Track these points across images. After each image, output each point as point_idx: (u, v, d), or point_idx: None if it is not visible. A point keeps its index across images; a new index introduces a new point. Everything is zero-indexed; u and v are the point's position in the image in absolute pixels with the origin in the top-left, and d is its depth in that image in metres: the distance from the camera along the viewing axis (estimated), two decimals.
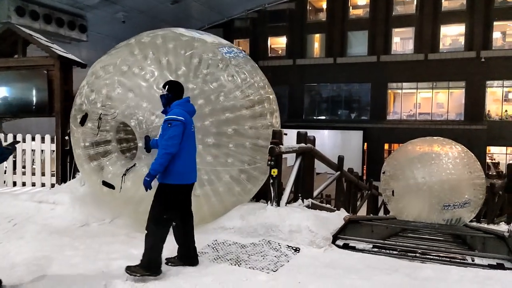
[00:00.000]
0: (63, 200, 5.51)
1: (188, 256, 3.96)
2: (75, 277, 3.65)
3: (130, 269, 3.62)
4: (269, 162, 4.91)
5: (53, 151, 6.50)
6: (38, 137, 6.64)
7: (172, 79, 4.20)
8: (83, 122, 4.53)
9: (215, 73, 4.84)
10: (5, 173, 6.81)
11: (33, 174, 6.68)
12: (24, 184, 6.69)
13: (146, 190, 3.68)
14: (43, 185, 6.59)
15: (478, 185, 9.90)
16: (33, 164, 6.74)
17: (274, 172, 4.91)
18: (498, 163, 25.89)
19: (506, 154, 25.70)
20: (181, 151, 3.67)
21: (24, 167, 6.82)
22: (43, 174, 6.63)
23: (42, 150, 6.67)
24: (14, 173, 6.79)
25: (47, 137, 6.52)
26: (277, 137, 5.00)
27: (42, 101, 6.40)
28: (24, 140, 6.69)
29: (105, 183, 4.70)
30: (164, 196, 3.69)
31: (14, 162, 6.87)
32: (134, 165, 4.58)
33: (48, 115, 6.44)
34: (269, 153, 4.88)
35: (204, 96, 4.69)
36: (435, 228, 7.49)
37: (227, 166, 4.79)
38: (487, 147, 25.20)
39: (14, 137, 6.44)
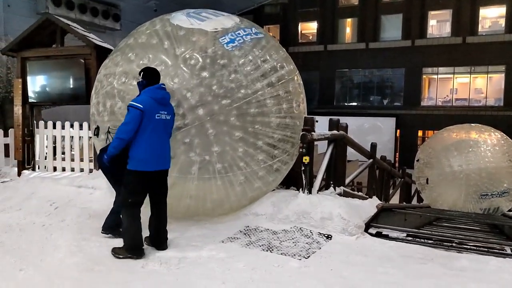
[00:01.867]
0: (101, 185, 5.70)
1: (156, 239, 4.06)
2: (114, 259, 3.79)
3: (114, 251, 3.85)
4: (301, 149, 4.89)
5: (91, 137, 6.71)
6: (76, 124, 6.88)
7: (148, 66, 4.11)
8: (97, 134, 4.60)
9: (215, 73, 4.35)
10: (45, 159, 7.11)
11: (72, 160, 6.94)
12: (64, 169, 6.96)
13: (98, 168, 3.83)
14: (81, 170, 6.84)
15: None
16: (71, 150, 7.00)
17: (306, 159, 4.90)
18: None
19: None
20: (141, 138, 3.74)
21: (63, 153, 7.09)
22: (81, 160, 6.88)
23: (80, 137, 6.90)
24: (54, 158, 7.07)
25: (85, 124, 6.74)
26: (308, 124, 4.97)
27: (80, 89, 6.60)
28: (63, 127, 6.94)
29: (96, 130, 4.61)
30: (128, 181, 3.83)
31: (54, 148, 7.15)
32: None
33: (85, 103, 6.63)
34: (301, 140, 4.86)
35: (203, 101, 4.30)
36: (471, 217, 7.28)
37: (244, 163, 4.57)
38: None
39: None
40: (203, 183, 4.53)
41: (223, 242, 4.25)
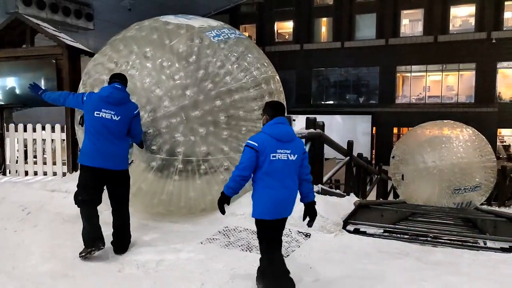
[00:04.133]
0: (75, 188, 5.51)
1: (115, 241, 3.98)
2: (89, 264, 3.70)
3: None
4: None
5: (63, 140, 6.55)
6: (48, 126, 6.69)
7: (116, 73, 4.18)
8: (82, 123, 4.51)
9: (201, 60, 4.50)
10: (16, 162, 6.89)
11: (45, 163, 6.75)
12: (36, 173, 6.76)
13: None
14: (54, 174, 6.66)
15: (489, 168, 9.84)
16: (44, 154, 6.81)
17: None
18: (509, 145, 25.63)
19: None
20: (85, 134, 3.85)
21: (35, 156, 6.89)
22: (54, 163, 6.69)
23: (52, 140, 6.72)
24: (26, 162, 6.86)
25: (57, 126, 6.56)
26: None
27: (51, 90, 6.42)
28: (34, 130, 6.75)
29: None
30: (79, 176, 3.90)
31: (25, 152, 6.94)
32: (131, 161, 4.54)
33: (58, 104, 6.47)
34: None
35: (192, 85, 4.41)
36: (445, 212, 7.46)
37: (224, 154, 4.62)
38: (498, 129, 24.91)
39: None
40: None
41: (202, 243, 4.22)
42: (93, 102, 3.78)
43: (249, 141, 3.05)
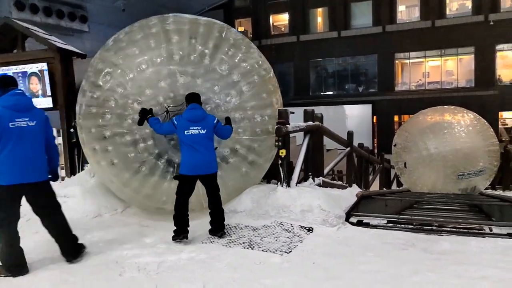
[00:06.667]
0: (74, 192, 5.51)
1: (61, 250, 3.84)
2: (91, 269, 3.65)
3: None
4: (277, 143, 4.82)
5: (60, 144, 6.49)
6: None
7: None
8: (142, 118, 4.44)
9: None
10: None
11: None
12: None
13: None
14: None
15: (492, 152, 9.76)
16: None
17: (282, 152, 4.83)
18: (511, 128, 25.46)
19: None
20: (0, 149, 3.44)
21: None
22: None
23: None
24: None
25: (54, 131, 6.49)
26: (283, 117, 4.89)
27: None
28: None
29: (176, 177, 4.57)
30: None
31: None
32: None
33: (52, 109, 6.40)
34: (276, 134, 4.79)
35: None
36: (450, 198, 7.38)
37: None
38: (499, 112, 24.73)
39: None
40: None
41: (203, 242, 4.17)
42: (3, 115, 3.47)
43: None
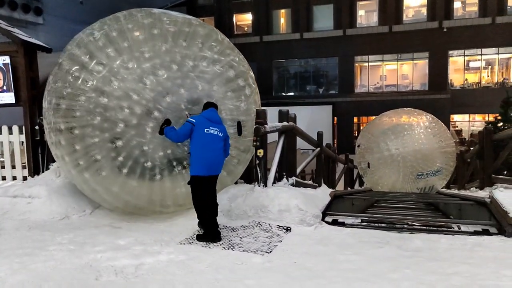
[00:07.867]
0: (39, 193, 5.26)
1: None
2: (63, 273, 3.49)
3: None
4: (255, 143, 4.83)
5: (23, 142, 6.17)
6: (5, 128, 6.27)
7: None
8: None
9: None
10: None
11: (2, 167, 6.34)
12: None
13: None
14: (14, 178, 6.27)
15: (449, 153, 10.25)
16: (1, 157, 6.39)
17: (260, 152, 4.84)
18: (461, 130, 26.88)
19: (469, 121, 26.71)
20: None
21: None
22: (13, 167, 6.30)
23: (10, 142, 6.31)
24: None
25: (15, 128, 6.17)
26: (261, 117, 4.91)
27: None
28: None
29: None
30: None
31: None
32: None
33: (15, 105, 6.08)
34: (255, 134, 4.80)
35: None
36: (412, 197, 7.67)
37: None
38: (451, 115, 26.03)
39: None
40: None
41: (181, 243, 4.10)
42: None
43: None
